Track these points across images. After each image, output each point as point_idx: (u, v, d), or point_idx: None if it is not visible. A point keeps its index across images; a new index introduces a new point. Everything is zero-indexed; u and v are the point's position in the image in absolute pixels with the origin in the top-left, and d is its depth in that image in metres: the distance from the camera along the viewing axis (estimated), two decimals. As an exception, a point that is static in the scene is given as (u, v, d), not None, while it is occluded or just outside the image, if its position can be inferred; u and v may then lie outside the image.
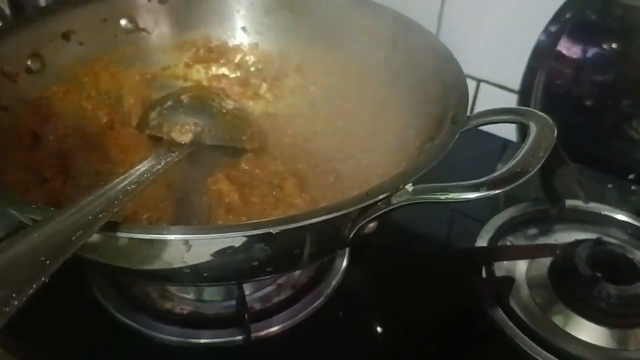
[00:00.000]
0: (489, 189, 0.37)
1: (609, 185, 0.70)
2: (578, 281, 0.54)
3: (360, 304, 0.57)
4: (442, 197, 0.38)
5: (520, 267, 0.59)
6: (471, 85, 0.79)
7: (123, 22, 0.63)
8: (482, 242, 0.61)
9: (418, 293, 0.58)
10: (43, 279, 0.28)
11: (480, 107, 0.80)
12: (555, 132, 0.42)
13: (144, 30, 0.65)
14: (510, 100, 0.77)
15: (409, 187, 0.38)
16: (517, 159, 0.39)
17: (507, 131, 0.79)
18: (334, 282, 0.56)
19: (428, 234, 0.66)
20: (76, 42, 0.60)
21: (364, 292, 0.59)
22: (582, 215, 0.65)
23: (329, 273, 0.57)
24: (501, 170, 0.38)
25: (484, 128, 0.48)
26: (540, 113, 0.44)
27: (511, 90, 0.77)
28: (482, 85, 0.79)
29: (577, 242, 0.58)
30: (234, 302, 0.54)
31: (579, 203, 0.65)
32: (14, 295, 0.26)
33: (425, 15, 0.77)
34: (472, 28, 0.76)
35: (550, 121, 0.43)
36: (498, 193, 0.37)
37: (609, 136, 0.72)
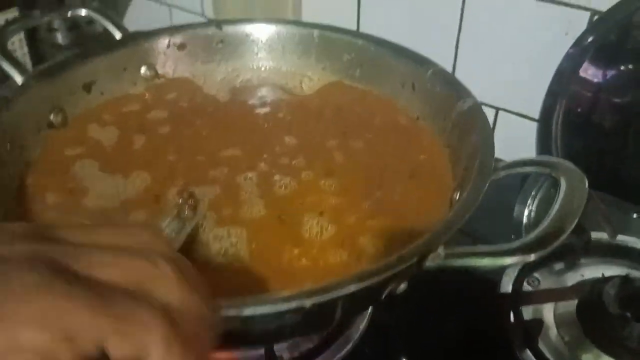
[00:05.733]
0: (523, 254, 0.37)
1: (634, 215, 0.69)
2: (607, 320, 0.53)
3: (389, 346, 0.57)
4: (476, 263, 0.37)
5: (548, 305, 0.59)
6: (489, 113, 0.78)
7: (143, 69, 0.64)
8: (508, 279, 0.61)
9: (445, 334, 0.57)
10: None
11: (498, 136, 0.78)
12: (587, 185, 0.42)
13: (162, 76, 0.65)
14: (530, 128, 0.76)
15: (441, 250, 0.38)
16: (550, 218, 0.39)
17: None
18: (361, 327, 0.56)
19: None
20: (98, 92, 0.60)
21: (392, 333, 0.59)
22: (609, 248, 0.64)
23: (356, 318, 0.57)
24: (535, 232, 0.38)
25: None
26: (571, 165, 0.43)
27: (530, 119, 0.76)
28: (501, 113, 0.79)
29: (605, 279, 0.57)
30: (261, 352, 0.53)
31: (604, 236, 0.64)
32: None
33: (442, 43, 0.78)
34: (490, 56, 0.76)
35: (581, 174, 0.42)
36: (534, 259, 0.37)
37: (632, 162, 0.71)
